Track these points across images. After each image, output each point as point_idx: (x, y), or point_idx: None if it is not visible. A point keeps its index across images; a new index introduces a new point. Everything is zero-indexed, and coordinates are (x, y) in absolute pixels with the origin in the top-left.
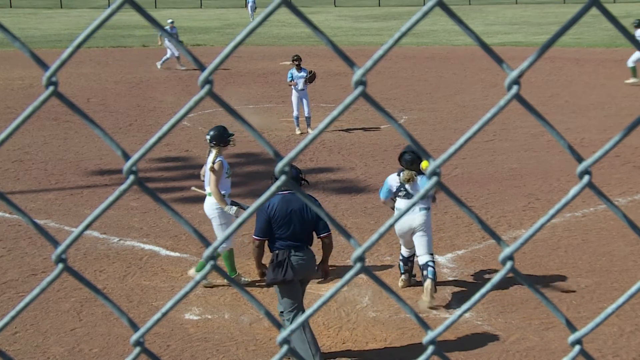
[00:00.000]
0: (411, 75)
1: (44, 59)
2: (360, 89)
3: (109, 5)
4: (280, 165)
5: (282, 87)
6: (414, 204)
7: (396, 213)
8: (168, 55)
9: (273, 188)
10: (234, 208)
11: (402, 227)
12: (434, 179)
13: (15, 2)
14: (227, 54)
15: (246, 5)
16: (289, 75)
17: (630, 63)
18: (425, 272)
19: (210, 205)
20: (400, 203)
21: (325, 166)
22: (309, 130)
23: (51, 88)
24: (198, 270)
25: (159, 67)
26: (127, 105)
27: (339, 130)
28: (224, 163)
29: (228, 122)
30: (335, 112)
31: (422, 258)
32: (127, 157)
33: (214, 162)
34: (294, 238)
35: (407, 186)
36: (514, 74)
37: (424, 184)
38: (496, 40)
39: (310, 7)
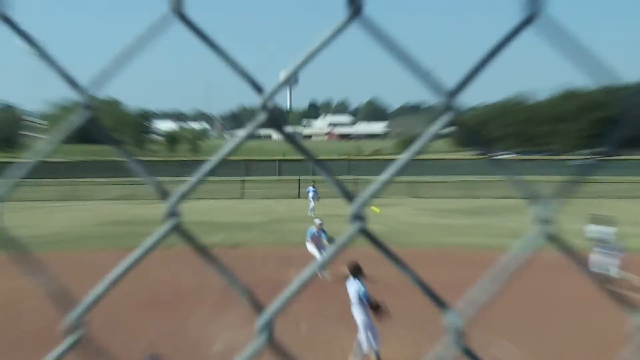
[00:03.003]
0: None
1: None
2: None
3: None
4: None
5: (342, 301)
6: None
7: None
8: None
9: None
10: None
11: None
12: None
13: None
14: (289, 297)
15: (300, 196)
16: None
17: None
18: None
19: None
20: None
21: None
22: None
23: (79, 333)
24: None
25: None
26: (141, 326)
27: None
28: None
29: None
30: None
31: None
32: None
33: None
34: None
35: None
36: None
37: None
38: None
39: (385, 197)
